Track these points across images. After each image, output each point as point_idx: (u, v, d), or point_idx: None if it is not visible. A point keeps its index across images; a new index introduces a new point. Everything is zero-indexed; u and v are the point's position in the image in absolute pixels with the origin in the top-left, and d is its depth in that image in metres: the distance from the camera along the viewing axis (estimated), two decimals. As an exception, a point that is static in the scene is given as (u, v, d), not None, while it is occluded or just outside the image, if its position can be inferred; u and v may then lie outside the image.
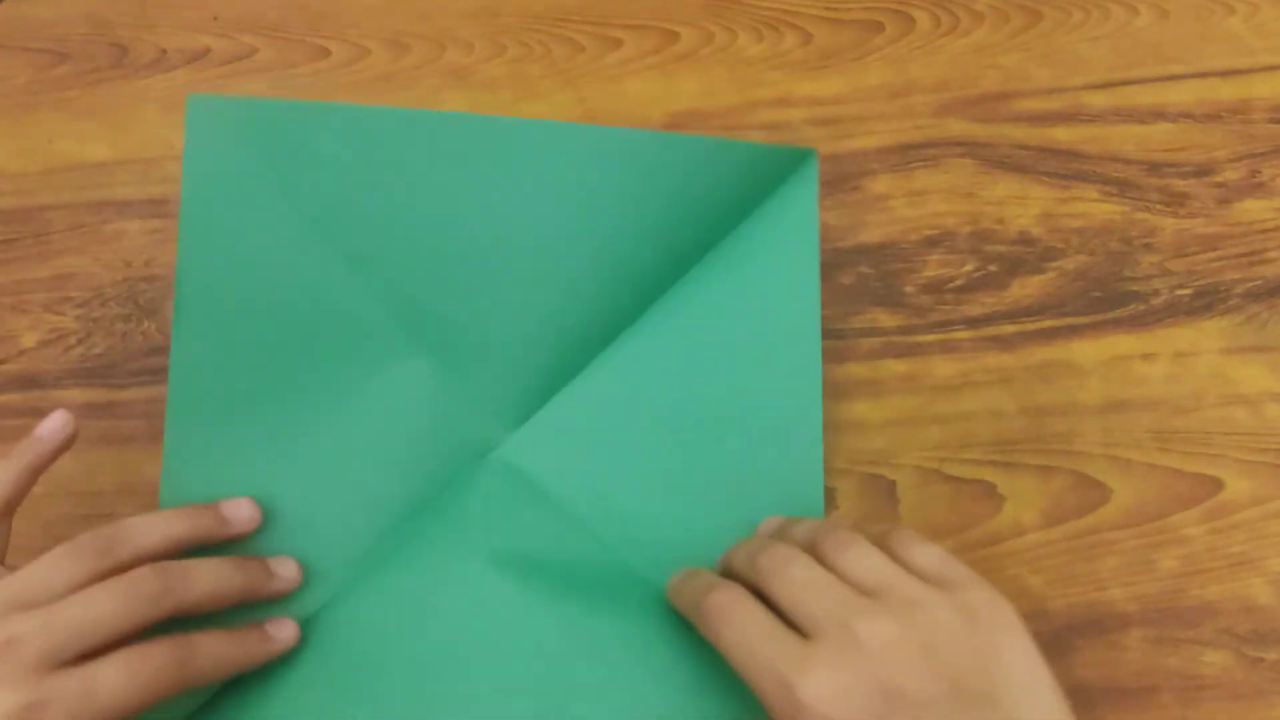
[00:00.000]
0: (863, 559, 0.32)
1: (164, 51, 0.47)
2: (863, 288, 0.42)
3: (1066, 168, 0.45)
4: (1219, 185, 0.44)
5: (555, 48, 0.47)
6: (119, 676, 0.29)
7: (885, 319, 0.42)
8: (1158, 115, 0.46)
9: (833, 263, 0.43)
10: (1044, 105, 0.46)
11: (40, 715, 0.28)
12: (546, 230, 0.37)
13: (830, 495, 0.39)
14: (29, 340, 0.41)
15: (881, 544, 0.33)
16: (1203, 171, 0.45)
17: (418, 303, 0.37)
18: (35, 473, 0.34)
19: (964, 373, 0.41)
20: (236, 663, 0.33)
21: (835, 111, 0.46)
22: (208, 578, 0.32)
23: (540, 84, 0.46)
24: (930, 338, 0.41)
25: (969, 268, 0.43)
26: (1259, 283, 0.42)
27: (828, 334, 0.41)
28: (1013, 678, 0.29)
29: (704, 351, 0.38)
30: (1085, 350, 0.41)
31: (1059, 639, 0.36)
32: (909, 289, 0.42)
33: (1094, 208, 0.44)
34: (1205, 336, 0.41)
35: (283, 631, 0.34)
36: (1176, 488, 0.39)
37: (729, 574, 0.35)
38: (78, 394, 0.41)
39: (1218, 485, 0.39)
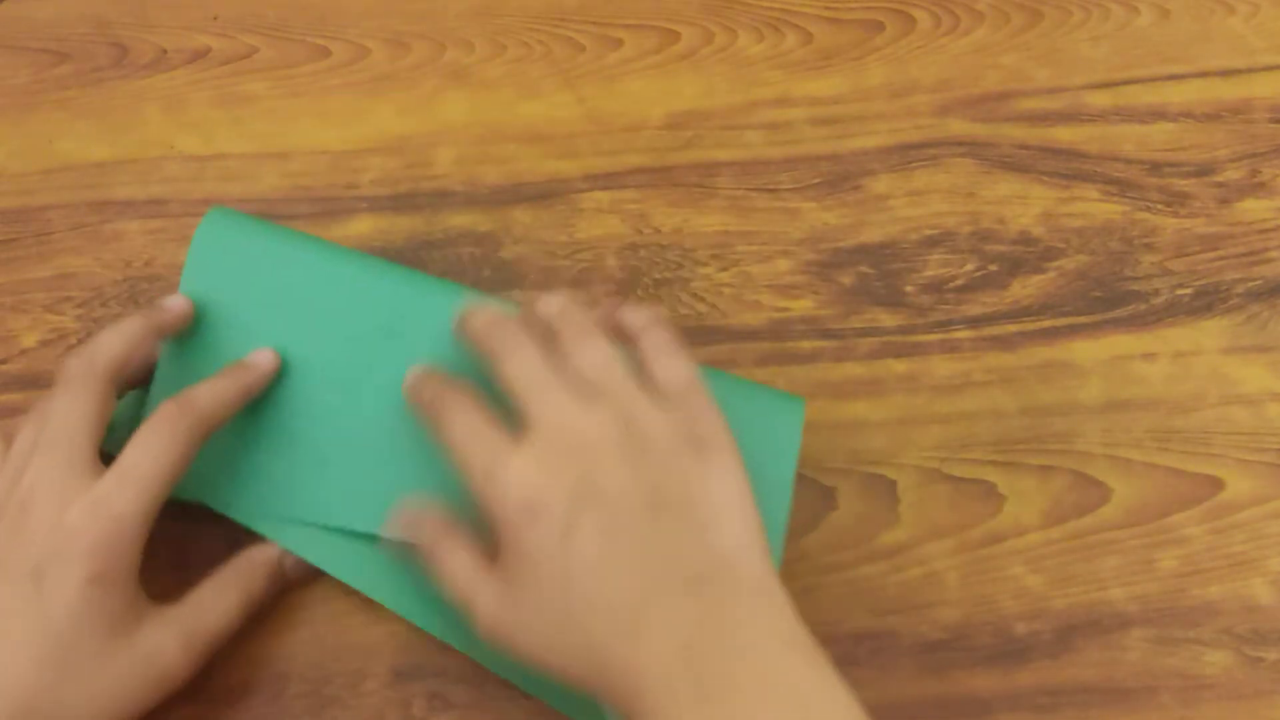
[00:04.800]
0: (598, 360, 0.32)
1: (164, 51, 0.47)
2: (863, 287, 0.42)
3: (1067, 167, 0.45)
4: (1219, 185, 0.44)
5: (555, 48, 0.47)
6: (141, 448, 0.32)
7: (885, 319, 0.42)
8: (1158, 115, 0.46)
9: (833, 263, 0.43)
10: (1044, 105, 0.46)
11: (106, 507, 0.31)
12: None
13: (830, 495, 0.39)
14: (29, 340, 0.41)
15: (634, 341, 0.33)
16: (1203, 171, 0.45)
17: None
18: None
19: (964, 372, 0.41)
20: (232, 394, 0.35)
21: (835, 111, 0.46)
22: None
23: (540, 84, 0.46)
24: (931, 337, 0.41)
25: (969, 267, 0.43)
26: (1259, 282, 0.42)
27: (828, 334, 0.41)
28: (713, 498, 0.30)
29: None
30: (1085, 350, 0.41)
31: (1059, 639, 0.36)
32: (909, 289, 0.42)
33: (1094, 207, 0.44)
34: (1205, 336, 0.41)
35: (260, 357, 0.36)
36: (1177, 487, 0.39)
37: (459, 332, 0.34)
38: (78, 394, 0.41)
39: (1218, 485, 0.39)
